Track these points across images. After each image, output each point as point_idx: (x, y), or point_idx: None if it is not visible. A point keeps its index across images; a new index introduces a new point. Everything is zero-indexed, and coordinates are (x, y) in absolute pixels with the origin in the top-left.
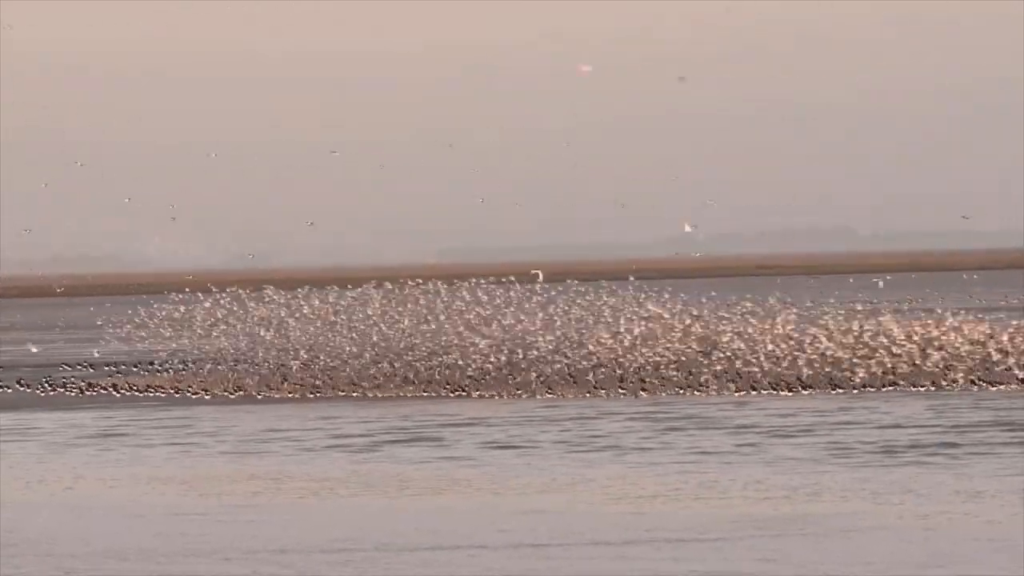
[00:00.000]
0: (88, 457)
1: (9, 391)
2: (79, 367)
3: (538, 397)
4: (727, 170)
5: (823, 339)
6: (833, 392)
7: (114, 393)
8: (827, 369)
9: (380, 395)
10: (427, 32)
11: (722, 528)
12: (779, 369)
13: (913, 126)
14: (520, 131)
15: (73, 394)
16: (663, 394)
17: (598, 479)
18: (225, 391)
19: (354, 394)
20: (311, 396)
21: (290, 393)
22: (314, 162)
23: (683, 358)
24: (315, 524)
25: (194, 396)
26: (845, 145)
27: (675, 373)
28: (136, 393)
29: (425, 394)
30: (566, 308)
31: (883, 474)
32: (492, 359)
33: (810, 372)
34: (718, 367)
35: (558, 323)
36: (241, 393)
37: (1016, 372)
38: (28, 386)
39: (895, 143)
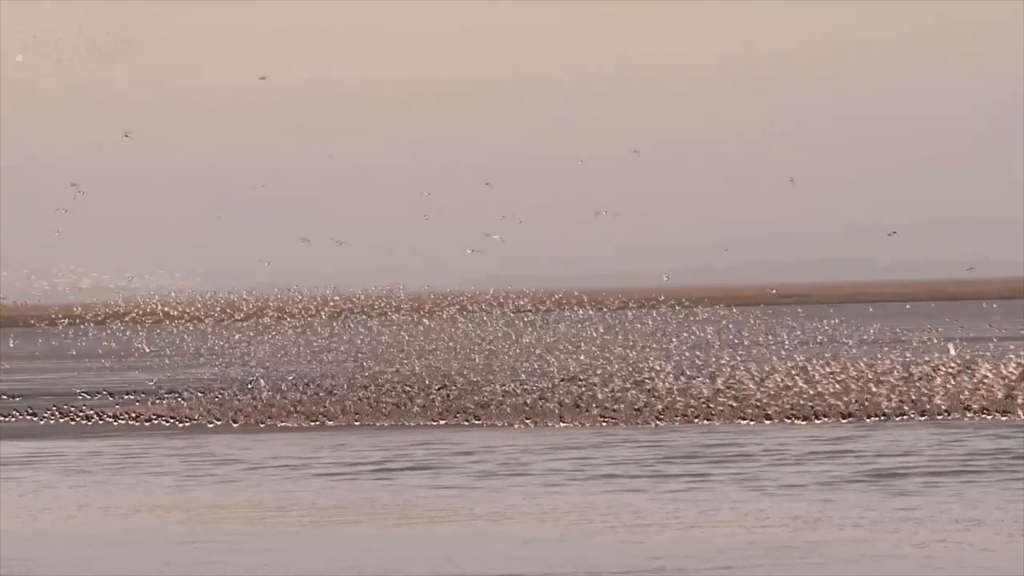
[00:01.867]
0: (101, 485)
1: (13, 420)
2: (98, 395)
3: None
4: (740, 198)
5: None
6: (843, 421)
7: (113, 423)
8: None
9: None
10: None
11: (725, 557)
12: None
13: (930, 153)
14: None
15: (73, 424)
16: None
17: (600, 507)
18: (229, 419)
19: (356, 423)
20: (313, 424)
21: (281, 422)
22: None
23: None
24: (318, 553)
25: (216, 424)
26: (862, 172)
27: None
28: (133, 423)
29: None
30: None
31: (885, 502)
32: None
33: None
34: None
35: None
36: (262, 422)
37: None
38: (35, 415)
39: (913, 171)
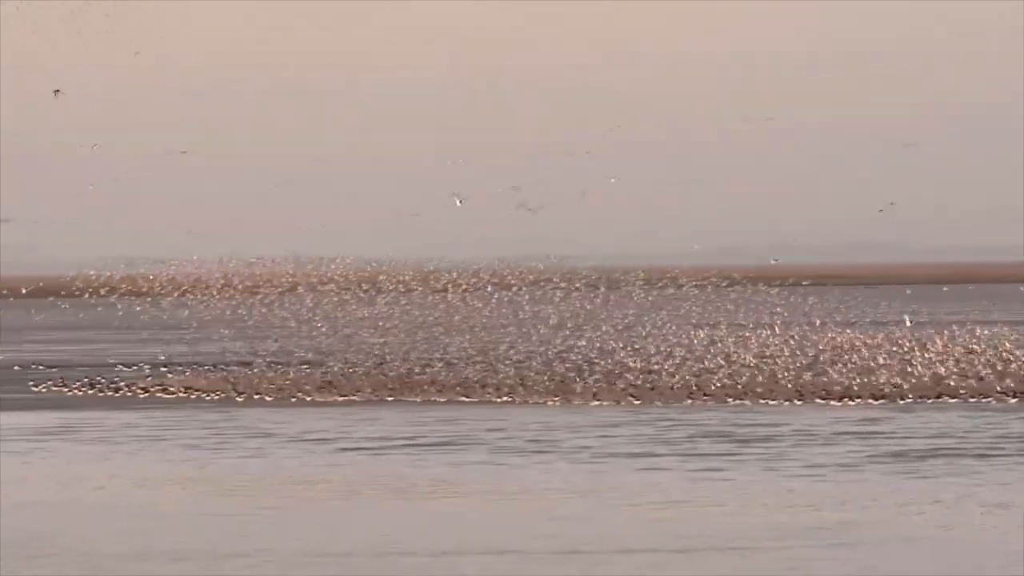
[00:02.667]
0: (132, 457)
1: (44, 391)
2: (134, 367)
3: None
4: (773, 183)
5: None
6: (874, 402)
7: (141, 395)
8: None
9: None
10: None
11: (754, 537)
12: None
13: (964, 138)
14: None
15: (102, 396)
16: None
17: (627, 486)
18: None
19: (389, 398)
20: (343, 398)
21: (310, 395)
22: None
23: None
24: (344, 527)
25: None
26: (893, 158)
27: None
28: (162, 395)
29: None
30: None
31: (912, 483)
32: None
33: None
34: None
35: None
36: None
37: None
38: (66, 386)
39: (944, 155)
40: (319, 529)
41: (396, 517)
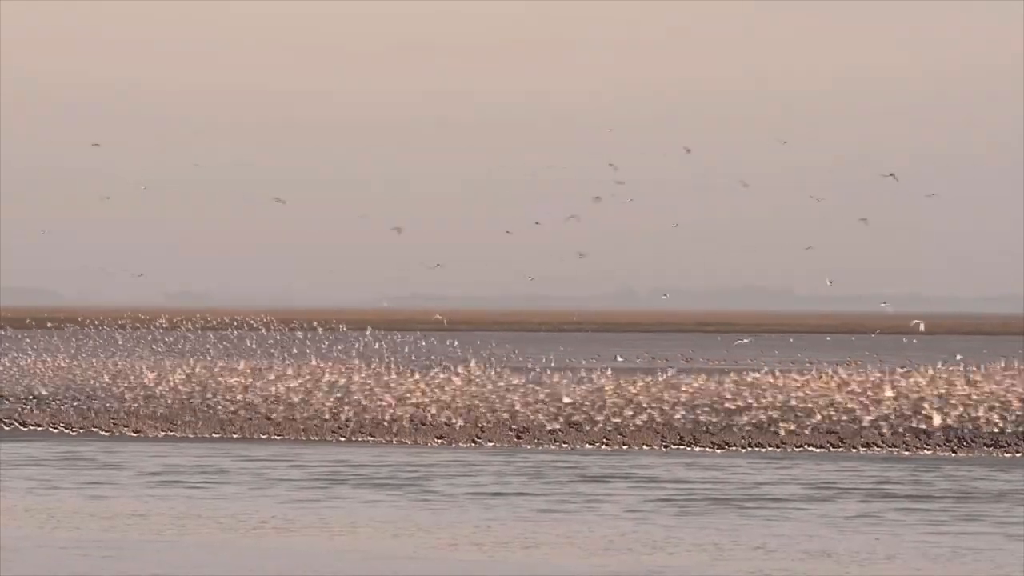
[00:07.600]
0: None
1: None
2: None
3: None
4: (665, 228)
5: None
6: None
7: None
8: None
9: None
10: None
11: None
12: None
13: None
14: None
15: None
16: None
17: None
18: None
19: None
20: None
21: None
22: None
23: None
24: (247, 563)
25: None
26: (787, 209)
27: None
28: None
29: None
30: None
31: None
32: None
33: None
34: None
35: None
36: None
37: None
38: None
39: (830, 212)
40: (226, 565)
41: (306, 553)
